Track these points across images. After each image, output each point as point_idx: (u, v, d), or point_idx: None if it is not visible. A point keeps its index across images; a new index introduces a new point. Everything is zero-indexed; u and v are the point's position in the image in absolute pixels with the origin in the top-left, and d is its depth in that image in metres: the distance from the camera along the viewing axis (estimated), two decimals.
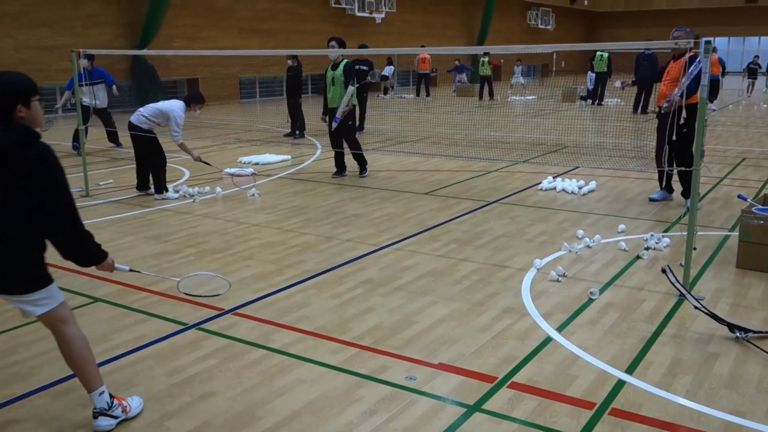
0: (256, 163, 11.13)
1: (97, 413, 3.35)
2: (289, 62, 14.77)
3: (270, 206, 8.20)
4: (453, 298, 5.13)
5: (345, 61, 9.58)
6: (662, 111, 7.54)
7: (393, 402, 3.63)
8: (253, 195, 8.76)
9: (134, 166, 9.06)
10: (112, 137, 13.19)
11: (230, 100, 24.57)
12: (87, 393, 3.37)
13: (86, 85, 11.64)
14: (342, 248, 6.44)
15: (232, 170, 10.29)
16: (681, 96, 6.43)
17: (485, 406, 3.59)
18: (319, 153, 12.47)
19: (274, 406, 3.60)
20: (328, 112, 9.85)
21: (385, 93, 26.50)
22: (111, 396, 3.40)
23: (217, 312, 4.87)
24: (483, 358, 4.14)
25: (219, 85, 24.10)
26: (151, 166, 8.75)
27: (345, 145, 9.89)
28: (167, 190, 8.74)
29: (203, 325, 4.65)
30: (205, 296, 4.97)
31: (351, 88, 9.42)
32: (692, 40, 5.39)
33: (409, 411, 3.55)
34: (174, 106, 8.56)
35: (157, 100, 9.33)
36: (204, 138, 14.70)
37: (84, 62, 11.91)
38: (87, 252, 3.25)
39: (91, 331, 4.58)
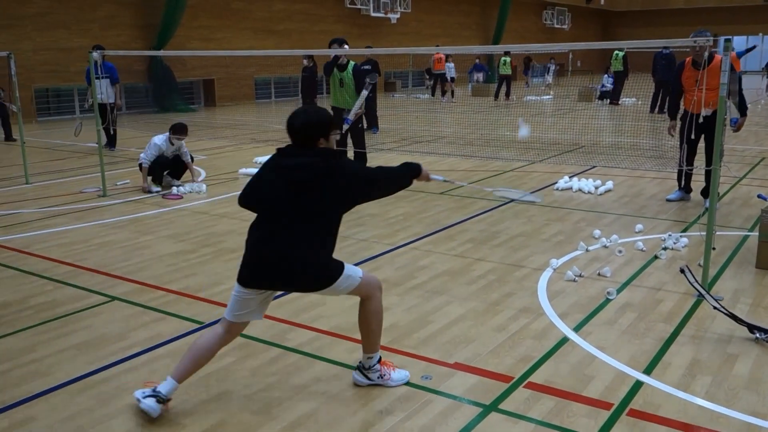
0: None
1: (358, 367, 3.80)
2: (305, 62, 14.79)
3: None
4: (469, 298, 5.11)
5: (353, 63, 9.45)
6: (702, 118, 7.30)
7: (409, 401, 3.62)
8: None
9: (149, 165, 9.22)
10: (109, 136, 12.97)
11: (246, 100, 24.67)
12: (362, 353, 3.76)
13: (97, 78, 11.73)
14: (357, 248, 6.43)
15: (249, 170, 10.34)
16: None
17: (501, 406, 3.57)
18: None
19: (290, 405, 3.61)
20: (334, 111, 9.56)
21: (443, 95, 25.21)
22: (379, 362, 3.77)
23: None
24: (499, 357, 4.12)
25: (234, 86, 24.20)
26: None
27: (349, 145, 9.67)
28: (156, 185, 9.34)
29: None
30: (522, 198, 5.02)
31: (365, 92, 9.20)
32: (711, 38, 5.34)
33: (425, 410, 3.53)
34: (157, 136, 9.24)
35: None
36: (220, 138, 14.77)
37: (96, 55, 11.98)
38: (403, 185, 3.84)
39: (107, 329, 4.61)
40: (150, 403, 3.42)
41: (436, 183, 4.30)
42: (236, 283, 3.54)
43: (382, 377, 3.76)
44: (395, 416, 3.48)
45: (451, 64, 25.15)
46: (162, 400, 3.45)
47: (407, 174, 3.84)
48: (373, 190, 3.68)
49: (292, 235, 3.43)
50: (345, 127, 9.31)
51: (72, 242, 6.67)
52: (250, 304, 3.56)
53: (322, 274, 3.51)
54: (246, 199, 3.64)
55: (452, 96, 24.99)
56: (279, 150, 3.58)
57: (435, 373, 3.93)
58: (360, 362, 3.79)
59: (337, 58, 9.30)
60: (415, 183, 3.93)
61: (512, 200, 4.75)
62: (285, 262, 3.43)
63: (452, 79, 25.17)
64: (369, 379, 3.76)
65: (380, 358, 3.79)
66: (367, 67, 14.08)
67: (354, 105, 9.21)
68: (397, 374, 3.82)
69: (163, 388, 3.47)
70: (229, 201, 8.57)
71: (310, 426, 3.41)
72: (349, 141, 9.55)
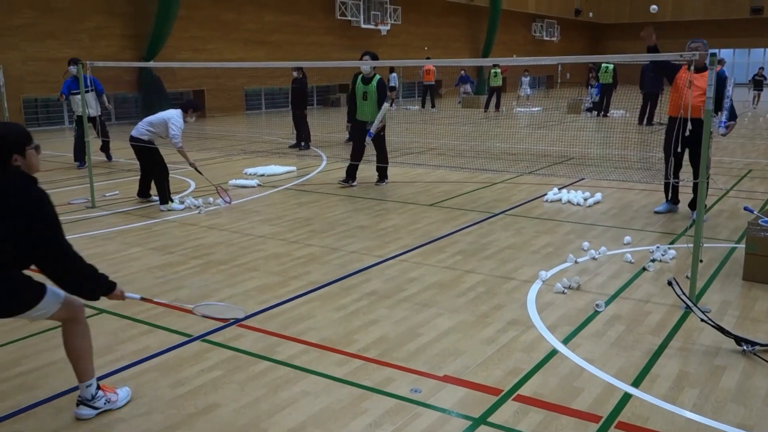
0: (262, 175, 11.15)
1: (80, 402, 3.61)
2: (295, 74, 14.81)
3: (275, 218, 8.21)
4: (458, 310, 5.12)
5: (378, 77, 9.85)
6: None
7: (398, 414, 3.62)
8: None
9: (139, 176, 9.13)
10: (104, 147, 13.01)
11: (236, 111, 24.67)
12: (78, 383, 3.60)
13: (73, 94, 11.76)
14: (347, 260, 6.44)
15: (238, 182, 10.36)
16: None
17: (491, 419, 3.57)
18: (324, 164, 12.49)
19: (279, 419, 3.59)
20: (356, 124, 10.18)
21: (391, 104, 26.06)
22: (98, 388, 3.61)
23: (222, 324, 4.87)
24: (488, 370, 4.13)
25: (225, 97, 24.20)
26: (155, 177, 8.85)
27: (364, 155, 10.30)
28: (172, 201, 8.77)
29: (208, 337, 4.65)
30: (220, 318, 4.39)
31: (386, 105, 9.73)
32: (698, 53, 5.39)
33: (414, 424, 3.53)
34: (172, 113, 8.74)
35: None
36: (210, 149, 14.74)
37: (72, 69, 11.94)
38: (87, 288, 3.39)
39: (96, 342, 4.55)
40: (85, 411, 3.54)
41: None
42: None
43: (108, 401, 3.64)
44: (384, 429, 3.48)
45: (394, 75, 25.04)
46: None
47: (105, 279, 3.46)
48: (53, 242, 3.20)
49: None
50: (367, 139, 9.83)
51: None
52: None
53: (15, 296, 3.26)
54: None
55: (391, 104, 24.96)
56: None
57: (424, 386, 3.92)
58: (80, 396, 3.60)
59: (360, 73, 9.89)
60: (106, 300, 3.57)
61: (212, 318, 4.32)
62: None
63: (393, 87, 24.99)
64: (96, 408, 3.60)
65: (98, 384, 3.64)
66: None
67: (376, 118, 9.67)
68: (122, 393, 3.73)
69: None
70: (218, 213, 8.55)
71: None
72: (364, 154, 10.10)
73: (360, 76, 9.97)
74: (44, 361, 4.29)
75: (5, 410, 3.70)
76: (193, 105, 8.91)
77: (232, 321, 4.71)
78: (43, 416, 3.64)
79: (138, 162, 9.02)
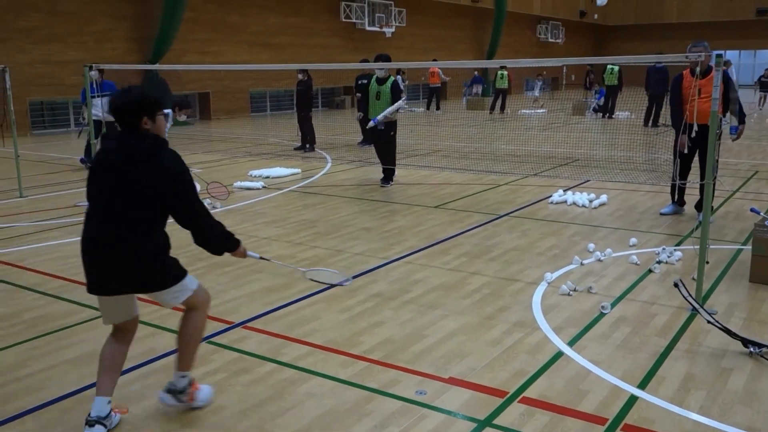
0: (267, 177, 11.16)
1: (169, 389, 3.59)
2: (300, 76, 14.82)
3: (280, 219, 8.22)
4: (463, 312, 5.11)
5: (393, 78, 10.23)
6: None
7: (403, 416, 3.61)
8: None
9: None
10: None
11: (241, 113, 24.70)
12: (174, 370, 3.62)
13: (96, 97, 11.76)
14: (352, 261, 6.43)
15: (243, 184, 10.37)
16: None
17: (496, 421, 3.56)
18: (329, 166, 12.50)
19: (284, 420, 3.59)
20: (367, 121, 10.56)
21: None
22: (191, 383, 3.62)
23: (227, 325, 4.87)
24: (494, 372, 4.12)
25: (230, 99, 24.23)
26: None
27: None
28: None
29: (213, 339, 4.65)
30: (330, 284, 4.74)
31: (400, 102, 10.08)
32: (703, 54, 5.38)
33: (420, 426, 3.52)
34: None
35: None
36: (215, 151, 14.77)
37: (94, 74, 12.02)
38: (218, 241, 3.59)
39: (100, 344, 4.56)
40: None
41: None
42: None
43: (191, 399, 3.64)
44: (389, 431, 3.47)
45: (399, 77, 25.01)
46: (100, 422, 3.35)
47: (232, 237, 3.66)
48: (190, 203, 3.40)
49: (120, 222, 3.27)
50: (370, 124, 10.21)
51: (66, 256, 6.65)
52: (107, 304, 3.46)
53: (153, 269, 3.36)
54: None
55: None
56: (103, 134, 3.45)
57: (429, 388, 3.92)
58: (171, 383, 3.60)
59: (362, 75, 10.33)
60: (228, 256, 3.77)
61: (325, 284, 4.80)
62: (114, 250, 3.27)
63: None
64: (181, 401, 3.61)
65: (191, 380, 3.65)
66: (364, 81, 14.18)
67: (385, 110, 9.98)
68: (203, 393, 3.71)
69: (97, 411, 3.37)
70: (224, 215, 8.56)
71: None
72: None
73: (374, 77, 10.40)
74: (50, 363, 4.30)
75: (11, 412, 3.70)
76: (181, 103, 9.10)
77: (335, 283, 4.85)
78: (48, 418, 3.64)
79: None
